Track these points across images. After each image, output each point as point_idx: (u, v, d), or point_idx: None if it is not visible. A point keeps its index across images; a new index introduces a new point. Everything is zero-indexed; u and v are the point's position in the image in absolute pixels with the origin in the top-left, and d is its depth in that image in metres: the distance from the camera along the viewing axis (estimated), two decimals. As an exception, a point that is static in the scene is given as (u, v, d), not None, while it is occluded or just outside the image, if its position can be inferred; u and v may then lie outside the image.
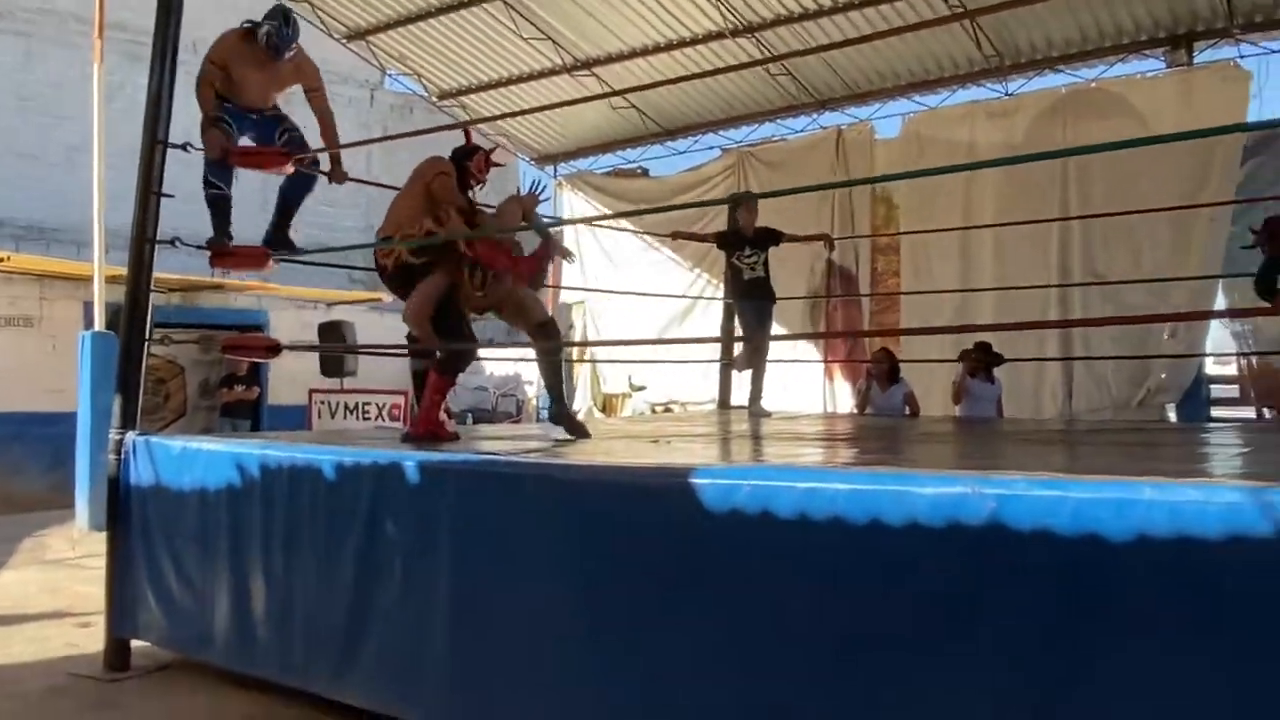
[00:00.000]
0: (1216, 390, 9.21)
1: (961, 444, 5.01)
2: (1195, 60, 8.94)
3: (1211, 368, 9.30)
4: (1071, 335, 9.07)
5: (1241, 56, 8.75)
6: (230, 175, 5.44)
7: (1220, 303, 8.73)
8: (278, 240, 5.63)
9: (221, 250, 5.26)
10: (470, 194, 4.74)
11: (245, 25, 5.43)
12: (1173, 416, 8.72)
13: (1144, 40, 9.17)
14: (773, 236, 7.39)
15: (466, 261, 4.40)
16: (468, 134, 4.90)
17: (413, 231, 4.42)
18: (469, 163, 4.70)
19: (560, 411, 4.76)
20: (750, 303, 7.35)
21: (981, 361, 7.58)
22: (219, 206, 5.40)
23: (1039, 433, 5.52)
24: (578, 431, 4.65)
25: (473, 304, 4.59)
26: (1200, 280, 8.33)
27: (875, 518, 2.44)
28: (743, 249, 7.30)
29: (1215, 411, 8.93)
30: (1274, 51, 8.73)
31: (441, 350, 4.50)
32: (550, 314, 4.94)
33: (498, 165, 4.95)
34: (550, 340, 4.76)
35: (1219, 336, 9.08)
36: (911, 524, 2.39)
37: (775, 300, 7.50)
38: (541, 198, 4.90)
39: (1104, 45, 9.35)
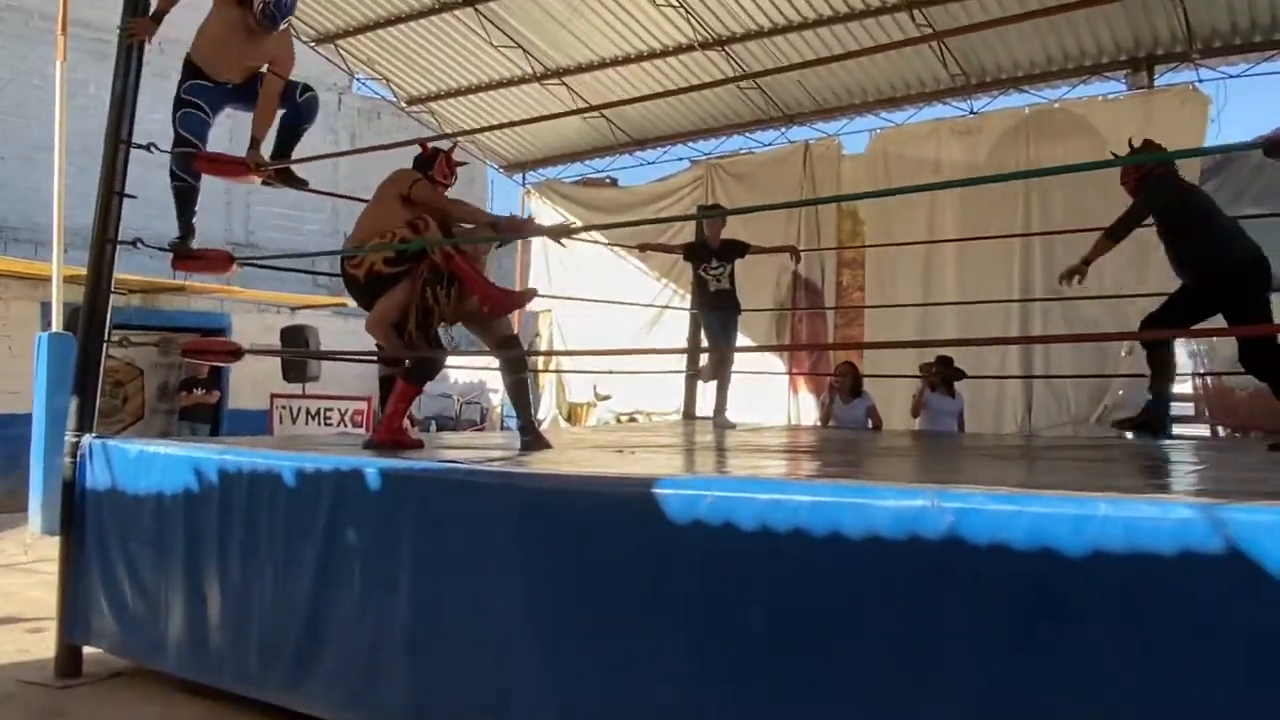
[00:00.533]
0: (1173, 409, 9.32)
1: (922, 458, 5.05)
2: (1156, 83, 9.09)
3: (1168, 386, 9.42)
4: (1032, 352, 9.20)
5: (1200, 80, 8.93)
6: (202, 128, 5.22)
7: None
8: (281, 174, 5.43)
9: (185, 253, 5.18)
10: None
11: None
12: (1130, 434, 8.83)
13: (1106, 63, 9.32)
14: (739, 248, 7.43)
15: (441, 271, 4.36)
16: (423, 144, 4.85)
17: (386, 241, 4.38)
18: (432, 170, 4.69)
19: (524, 425, 4.76)
20: (715, 314, 7.38)
21: (941, 375, 7.65)
22: (185, 199, 5.23)
23: (998, 448, 5.58)
24: (539, 445, 4.63)
25: (442, 314, 4.56)
26: (1157, 298, 8.43)
27: (836, 530, 2.47)
28: (709, 260, 7.34)
29: (1172, 430, 9.04)
30: (1232, 76, 8.90)
31: (408, 358, 4.48)
32: (515, 330, 4.93)
33: (460, 165, 4.94)
34: (514, 356, 4.78)
35: (1175, 356, 9.19)
36: (872, 536, 2.42)
37: (740, 312, 7.54)
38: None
39: (1067, 67, 9.50)
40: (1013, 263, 9.34)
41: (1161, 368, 5.26)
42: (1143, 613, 2.09)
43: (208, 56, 5.14)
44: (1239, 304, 4.74)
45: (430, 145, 4.83)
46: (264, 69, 5.20)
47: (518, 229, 4.89)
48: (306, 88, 5.28)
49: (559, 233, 5.38)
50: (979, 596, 2.28)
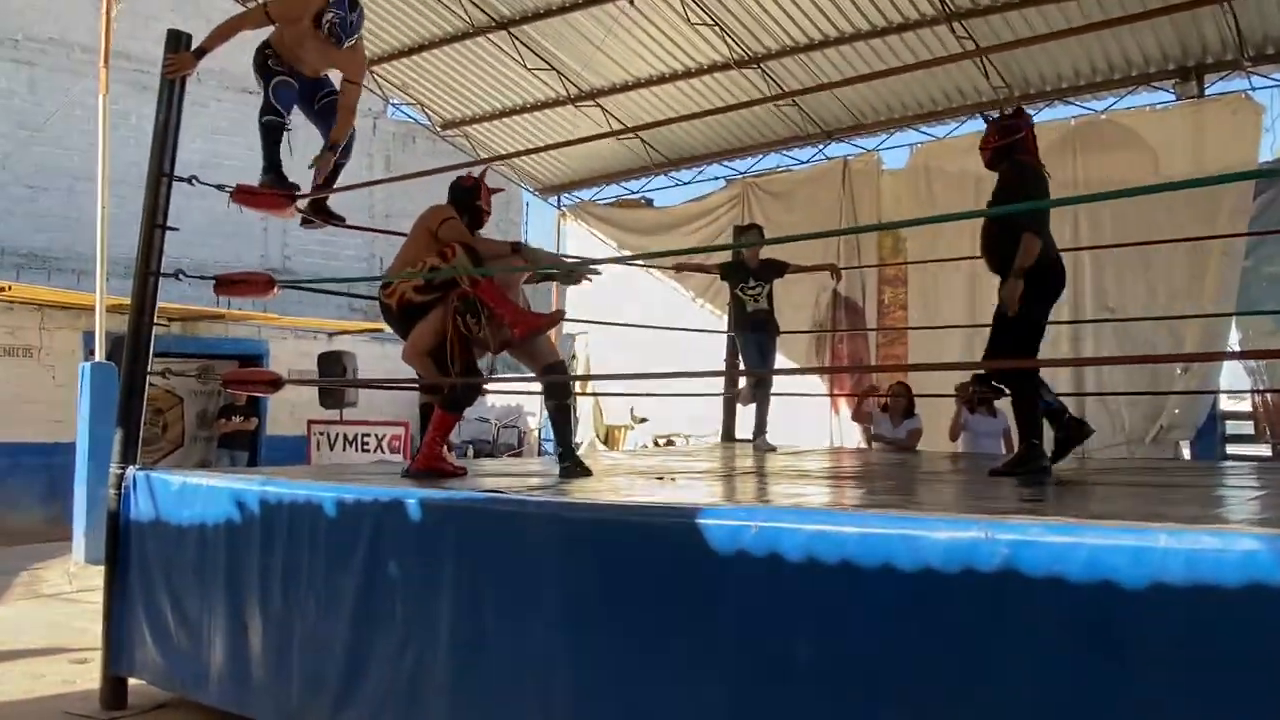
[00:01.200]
0: (1231, 427, 9.11)
1: (971, 483, 4.90)
2: (1206, 92, 8.89)
3: (1226, 404, 9.20)
4: (1084, 371, 8.98)
5: (1253, 89, 8.72)
6: (290, 100, 5.21)
7: (1234, 338, 8.65)
8: (317, 208, 5.41)
9: (226, 279, 5.11)
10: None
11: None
12: (1187, 453, 8.62)
13: (1153, 72, 9.14)
14: (777, 268, 7.33)
15: (471, 299, 4.34)
16: (475, 176, 4.83)
17: (414, 270, 4.39)
18: (479, 200, 4.67)
19: (564, 451, 4.70)
20: (753, 335, 7.28)
21: (978, 395, 7.40)
22: (272, 133, 5.18)
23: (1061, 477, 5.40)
24: (578, 472, 4.56)
25: (480, 342, 4.53)
26: (1213, 319, 8.26)
27: (886, 562, 2.39)
28: (746, 280, 7.24)
29: (1230, 448, 8.84)
30: (1286, 84, 8.70)
31: (445, 385, 4.44)
32: (559, 356, 4.88)
33: (497, 190, 4.93)
34: (557, 383, 4.74)
35: (1233, 372, 8.99)
36: (923, 569, 2.34)
37: (779, 332, 7.42)
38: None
39: (1113, 77, 9.32)
40: (1061, 278, 9.13)
41: (1029, 408, 4.71)
42: (1206, 647, 2.00)
43: (285, 54, 5.20)
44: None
45: (470, 174, 4.82)
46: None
47: (537, 260, 4.83)
48: None
49: (581, 266, 5.22)
50: (1035, 631, 2.20)
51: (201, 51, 4.92)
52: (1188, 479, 4.93)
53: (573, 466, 4.59)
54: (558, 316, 4.59)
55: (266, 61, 5.19)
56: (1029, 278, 4.50)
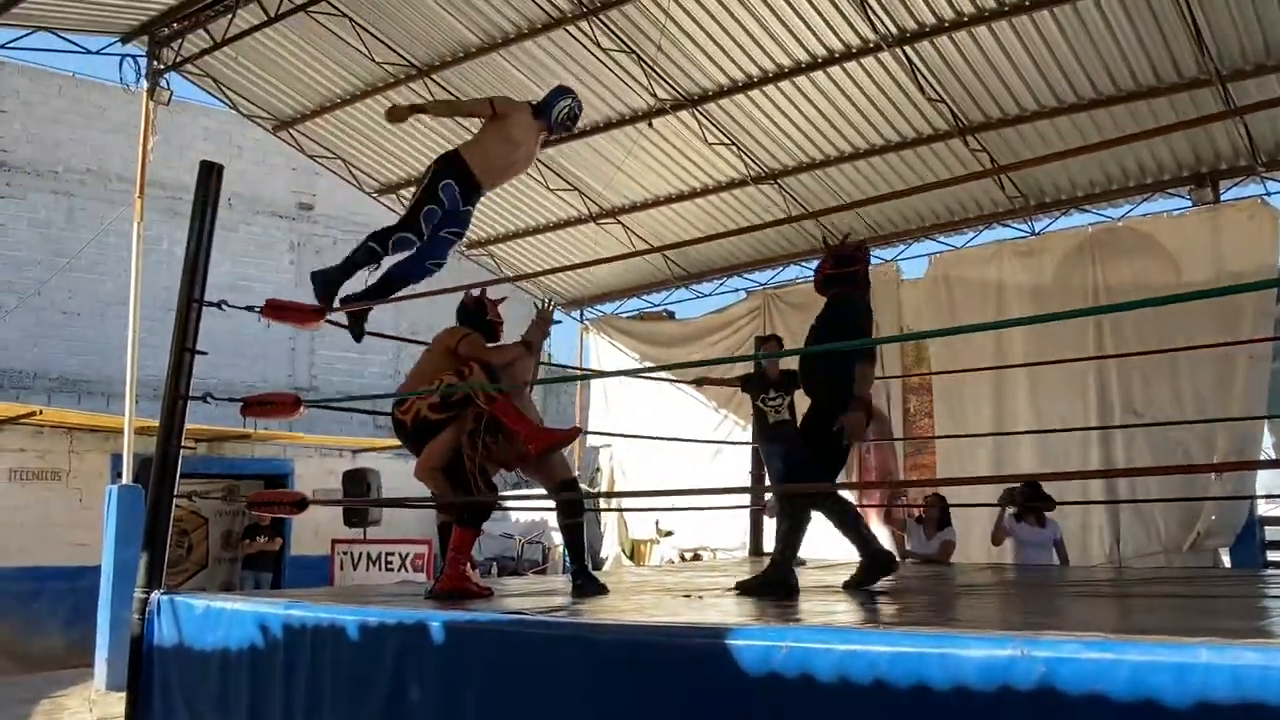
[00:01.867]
0: (1272, 533, 8.90)
1: (1007, 596, 4.80)
2: (1221, 198, 8.96)
3: (1264, 509, 9.01)
4: (1116, 477, 8.84)
5: (1268, 194, 8.79)
6: (403, 242, 5.03)
7: (1268, 441, 8.52)
8: (356, 316, 5.22)
9: (254, 400, 5.12)
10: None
11: (528, 102, 5.33)
12: (1226, 560, 8.41)
13: (1168, 179, 9.23)
14: (796, 379, 7.33)
15: (484, 416, 4.38)
16: (476, 295, 4.95)
17: (430, 389, 4.46)
18: (489, 316, 4.77)
19: (579, 570, 4.68)
20: (777, 446, 7.23)
21: (1025, 505, 7.28)
22: (359, 260, 5.04)
23: (1088, 583, 5.29)
24: (593, 589, 4.55)
25: (495, 458, 4.55)
26: (1244, 421, 8.16)
27: (920, 681, 2.33)
28: (767, 391, 7.24)
29: (1271, 555, 8.62)
30: (1301, 189, 8.76)
31: (460, 503, 4.44)
32: (574, 473, 4.89)
33: (501, 300, 5.07)
34: (572, 500, 4.77)
35: (1271, 475, 8.83)
36: (959, 688, 2.28)
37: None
38: (553, 319, 4.94)
39: (1128, 185, 9.42)
40: (1088, 383, 9.07)
41: (796, 524, 4.75)
42: None
43: (492, 161, 5.14)
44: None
45: (471, 295, 4.94)
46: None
47: (540, 332, 4.89)
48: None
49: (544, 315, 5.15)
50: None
51: (419, 109, 5.35)
52: (1227, 589, 4.81)
53: (587, 584, 4.58)
54: (574, 433, 4.60)
55: (435, 183, 5.03)
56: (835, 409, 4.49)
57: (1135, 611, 3.97)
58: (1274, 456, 8.50)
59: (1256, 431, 8.46)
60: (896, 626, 3.19)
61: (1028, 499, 7.18)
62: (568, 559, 4.81)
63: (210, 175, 4.84)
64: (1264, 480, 8.86)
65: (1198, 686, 2.00)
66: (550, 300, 5.21)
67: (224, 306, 4.78)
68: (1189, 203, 9.16)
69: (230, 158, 14.67)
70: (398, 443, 11.39)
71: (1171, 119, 8.06)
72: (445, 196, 4.99)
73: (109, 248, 13.93)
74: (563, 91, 5.29)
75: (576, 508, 4.85)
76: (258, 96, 10.48)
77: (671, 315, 13.17)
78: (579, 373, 12.17)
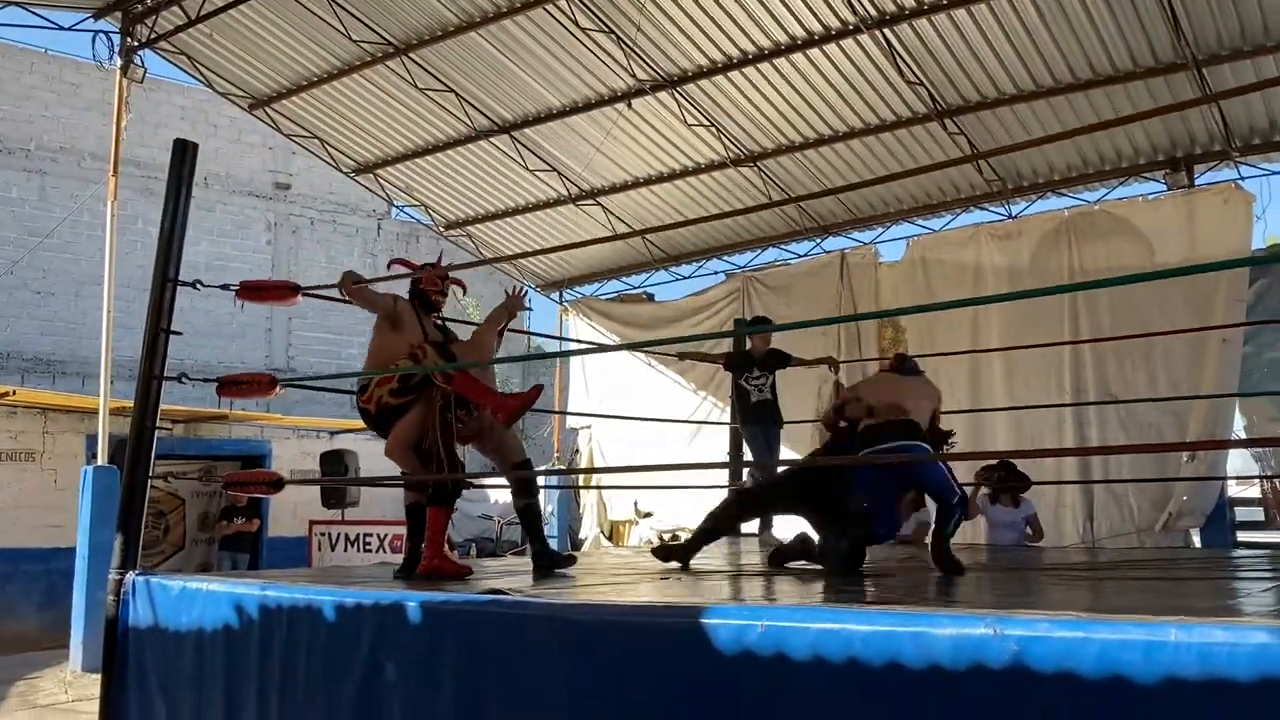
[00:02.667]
0: (1241, 513, 9.02)
1: (981, 576, 4.84)
2: (1196, 182, 9.03)
3: (1234, 490, 9.13)
4: (1091, 459, 8.92)
5: (1241, 178, 8.85)
6: None
7: (1238, 422, 8.62)
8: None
9: (229, 380, 5.07)
10: (436, 318, 4.81)
11: None
12: (1197, 541, 8.52)
13: (1144, 164, 9.29)
14: (781, 359, 7.35)
15: (446, 395, 4.38)
16: (403, 263, 4.95)
17: (388, 376, 4.42)
18: (422, 285, 4.76)
19: (540, 550, 4.75)
20: (758, 426, 7.26)
21: (1001, 484, 7.31)
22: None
23: (1061, 563, 5.35)
24: (559, 563, 4.71)
25: (463, 435, 4.57)
26: (1217, 399, 8.25)
27: (894, 660, 2.36)
28: (751, 370, 7.25)
29: (1241, 535, 8.74)
30: (1273, 173, 8.83)
31: (431, 482, 4.46)
32: (526, 454, 4.92)
33: (457, 284, 5.04)
34: (528, 479, 4.81)
35: (1241, 457, 8.94)
36: (932, 667, 2.30)
37: (782, 424, 7.40)
38: (525, 305, 4.93)
39: (1104, 169, 9.47)
40: (1063, 366, 9.14)
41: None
42: None
43: None
44: None
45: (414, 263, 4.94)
46: None
47: (507, 314, 4.89)
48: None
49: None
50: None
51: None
52: (1197, 569, 4.87)
53: (553, 560, 4.69)
54: (535, 393, 4.57)
55: None
56: None
57: (1107, 591, 4.02)
58: (1244, 438, 8.62)
59: (1227, 413, 8.55)
60: (871, 605, 3.23)
61: (1002, 480, 7.21)
62: (527, 539, 4.86)
63: (185, 153, 4.79)
64: (1234, 462, 8.97)
65: (1166, 664, 2.03)
66: (521, 286, 5.18)
67: (199, 286, 4.75)
68: (1164, 187, 9.22)
69: (206, 136, 14.54)
70: (375, 424, 11.21)
71: (1148, 103, 8.11)
72: None
73: (83, 227, 13.81)
74: None
75: (532, 487, 4.90)
76: (233, 74, 10.38)
77: (651, 297, 13.17)
78: (559, 350, 12.16)
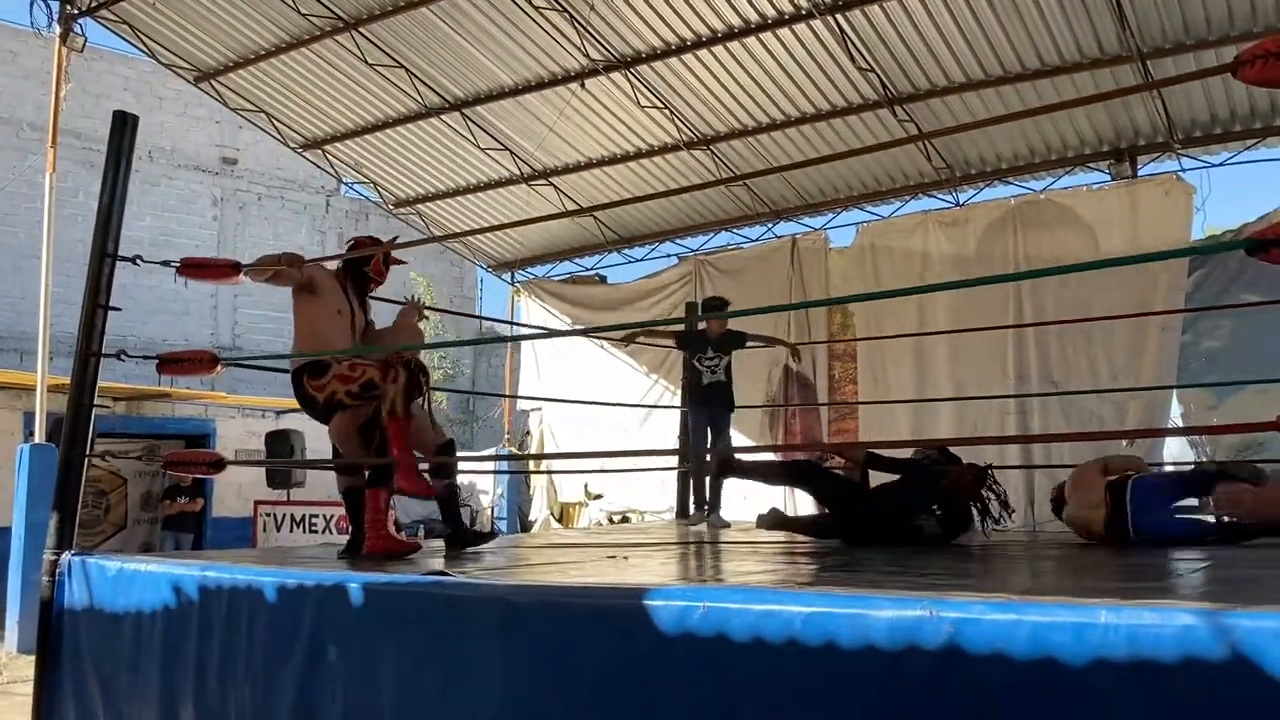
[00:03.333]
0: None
1: (922, 560, 4.91)
2: (1139, 173, 9.20)
3: (1171, 477, 9.34)
4: (1032, 445, 9.08)
5: (1183, 169, 9.03)
6: None
7: (1175, 410, 8.82)
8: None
9: (170, 357, 5.00)
10: (366, 300, 4.78)
11: None
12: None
13: (1089, 154, 9.45)
14: (738, 339, 7.28)
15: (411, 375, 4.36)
16: (357, 240, 4.91)
17: (352, 375, 4.35)
18: (366, 268, 4.71)
19: (455, 533, 4.74)
20: (706, 409, 7.21)
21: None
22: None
23: (1000, 546, 5.44)
24: (477, 539, 4.78)
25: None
26: (1155, 391, 8.44)
27: (832, 641, 2.39)
28: (705, 350, 7.15)
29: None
30: (1214, 165, 9.02)
31: (369, 465, 4.45)
32: (446, 436, 4.91)
33: (399, 263, 4.98)
34: (449, 464, 4.80)
35: (1177, 446, 9.14)
36: (869, 648, 2.33)
37: (734, 408, 7.38)
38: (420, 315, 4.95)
39: (1050, 158, 9.62)
40: (1006, 353, 9.30)
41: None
42: None
43: None
44: None
45: (369, 238, 4.93)
46: None
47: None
48: None
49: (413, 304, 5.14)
50: (980, 709, 2.19)
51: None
52: (1134, 553, 4.97)
53: (464, 541, 4.68)
54: (414, 547, 4.54)
55: None
56: None
57: (1042, 574, 4.09)
58: (1182, 426, 8.80)
59: (1165, 401, 8.75)
60: (811, 587, 3.27)
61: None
62: (444, 520, 4.87)
63: (125, 125, 4.68)
64: (1171, 449, 9.17)
65: (1095, 645, 2.07)
66: (416, 296, 5.14)
67: (139, 262, 4.65)
68: (1108, 177, 9.38)
69: (151, 109, 14.26)
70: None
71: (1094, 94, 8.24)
72: None
73: (21, 199, 13.49)
74: None
75: (451, 470, 4.91)
76: (178, 46, 10.16)
77: (603, 279, 13.15)
78: (510, 333, 12.11)
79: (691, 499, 7.45)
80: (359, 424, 4.45)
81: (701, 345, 7.17)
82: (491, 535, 4.76)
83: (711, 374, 7.06)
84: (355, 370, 4.36)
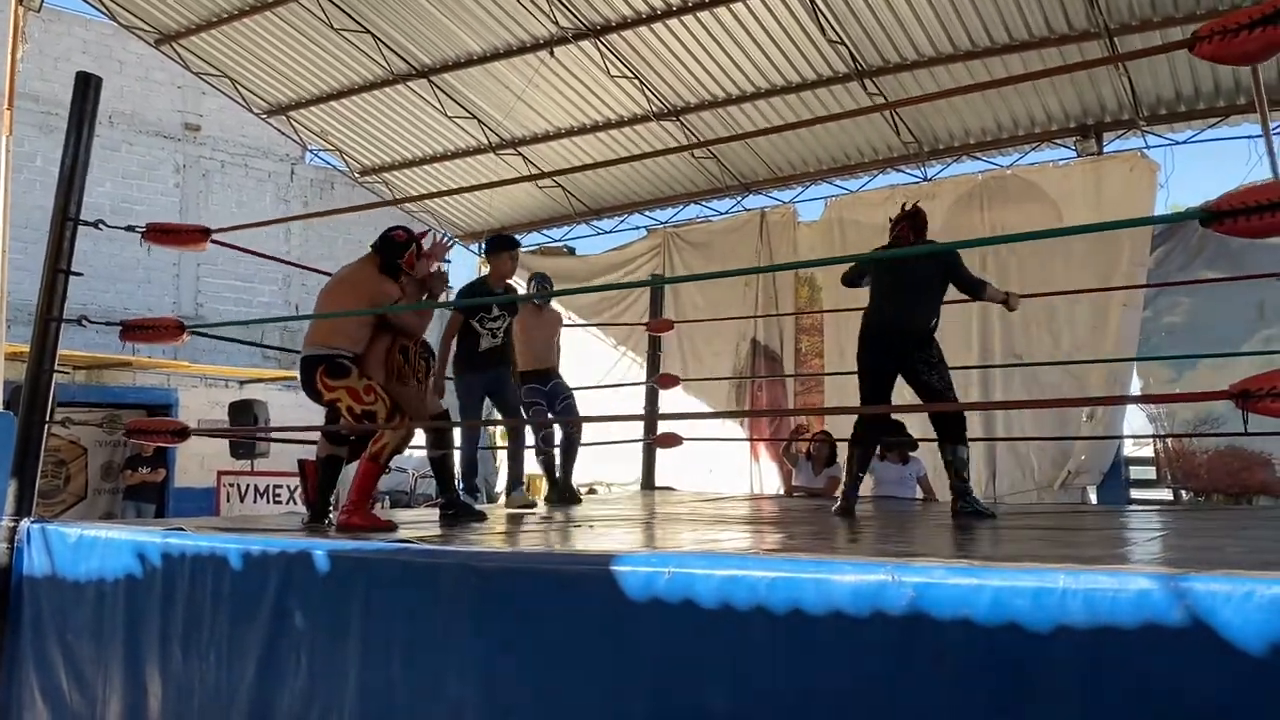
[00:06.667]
0: (1135, 472, 9.39)
1: (886, 528, 4.98)
2: (1105, 149, 9.27)
3: (1130, 450, 9.50)
4: (994, 416, 9.19)
5: (1148, 147, 9.12)
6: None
7: (1135, 385, 8.96)
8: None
9: (134, 324, 4.91)
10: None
11: None
12: (1094, 498, 8.85)
13: (1055, 130, 9.51)
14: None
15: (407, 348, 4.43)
16: (402, 230, 4.79)
17: (364, 398, 4.31)
18: (401, 259, 4.62)
19: (450, 500, 4.83)
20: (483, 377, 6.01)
21: (889, 442, 7.42)
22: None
23: (962, 516, 5.51)
24: (469, 515, 4.78)
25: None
26: (1116, 363, 8.55)
27: (796, 606, 2.42)
28: (489, 310, 5.96)
29: (1134, 493, 9.10)
30: (1178, 142, 9.11)
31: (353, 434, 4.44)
32: (442, 407, 4.92)
33: (435, 258, 4.89)
34: (445, 433, 4.89)
35: (1136, 420, 9.32)
36: (833, 612, 2.37)
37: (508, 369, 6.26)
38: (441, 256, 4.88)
39: (1017, 134, 9.68)
40: (971, 327, 9.38)
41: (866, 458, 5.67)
42: (1104, 687, 2.05)
43: None
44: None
45: (404, 231, 4.73)
46: None
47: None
48: None
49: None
50: (942, 673, 2.23)
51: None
52: (1092, 523, 5.06)
53: (461, 511, 4.76)
54: (390, 527, 4.52)
55: None
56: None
57: (1003, 541, 4.15)
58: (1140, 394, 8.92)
59: (1126, 376, 8.87)
60: (776, 553, 3.30)
61: (890, 437, 7.26)
62: (437, 489, 4.89)
63: (87, 87, 4.60)
64: (1131, 424, 9.33)
65: (1054, 609, 2.11)
66: (448, 235, 5.05)
67: (102, 226, 4.59)
68: (1074, 153, 9.46)
69: (111, 73, 13.96)
70: (287, 374, 11.17)
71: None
72: None
73: (-23, 163, 13.20)
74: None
75: (447, 439, 4.95)
76: (138, 7, 9.96)
77: (572, 251, 13.11)
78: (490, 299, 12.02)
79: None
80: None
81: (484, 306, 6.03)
82: (483, 517, 4.79)
83: (492, 338, 5.94)
84: (369, 395, 4.33)
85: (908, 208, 5.47)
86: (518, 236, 12.95)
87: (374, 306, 4.44)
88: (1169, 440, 8.74)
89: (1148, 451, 9.44)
